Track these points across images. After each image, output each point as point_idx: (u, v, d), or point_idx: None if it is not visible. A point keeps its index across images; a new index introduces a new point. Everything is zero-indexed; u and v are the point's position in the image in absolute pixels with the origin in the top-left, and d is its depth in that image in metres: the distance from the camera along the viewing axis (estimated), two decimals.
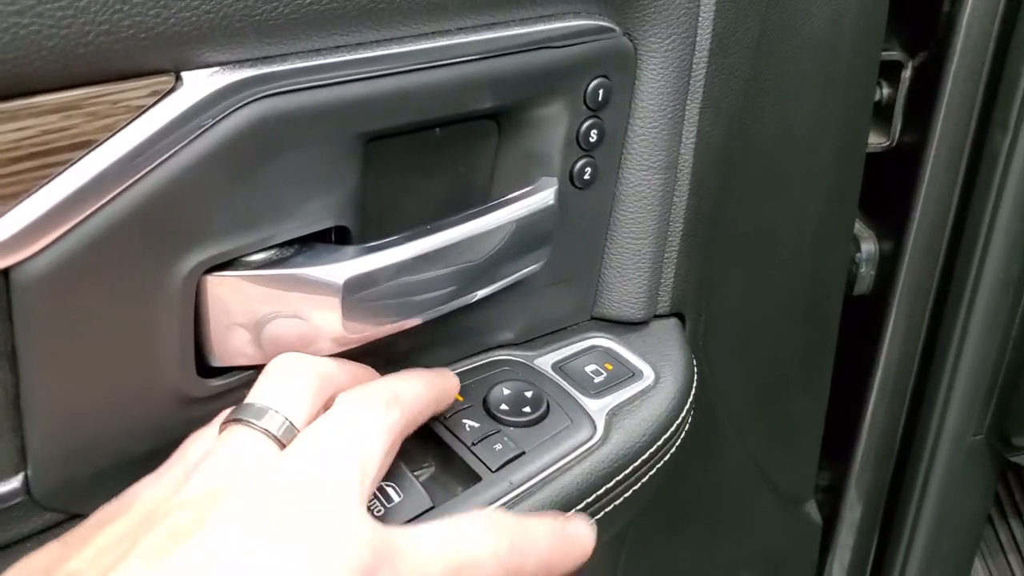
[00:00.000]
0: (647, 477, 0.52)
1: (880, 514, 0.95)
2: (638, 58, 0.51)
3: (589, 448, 0.49)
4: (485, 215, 0.45)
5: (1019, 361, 0.86)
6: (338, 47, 0.40)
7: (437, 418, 0.48)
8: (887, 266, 0.83)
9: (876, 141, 0.80)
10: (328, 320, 0.41)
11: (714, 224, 0.58)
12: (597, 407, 0.51)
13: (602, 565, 0.56)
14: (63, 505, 0.40)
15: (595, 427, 0.50)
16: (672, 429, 0.53)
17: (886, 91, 0.80)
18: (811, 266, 0.74)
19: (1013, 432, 0.89)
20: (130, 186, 0.35)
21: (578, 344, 0.56)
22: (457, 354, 0.53)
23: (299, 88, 0.39)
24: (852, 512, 0.94)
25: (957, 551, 0.99)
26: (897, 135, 0.80)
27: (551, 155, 0.50)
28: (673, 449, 0.54)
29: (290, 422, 0.38)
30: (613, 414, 0.51)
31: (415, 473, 0.45)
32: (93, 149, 0.34)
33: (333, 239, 0.44)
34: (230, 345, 0.42)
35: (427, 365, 0.48)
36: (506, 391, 0.50)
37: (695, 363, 0.57)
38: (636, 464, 0.50)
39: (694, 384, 0.56)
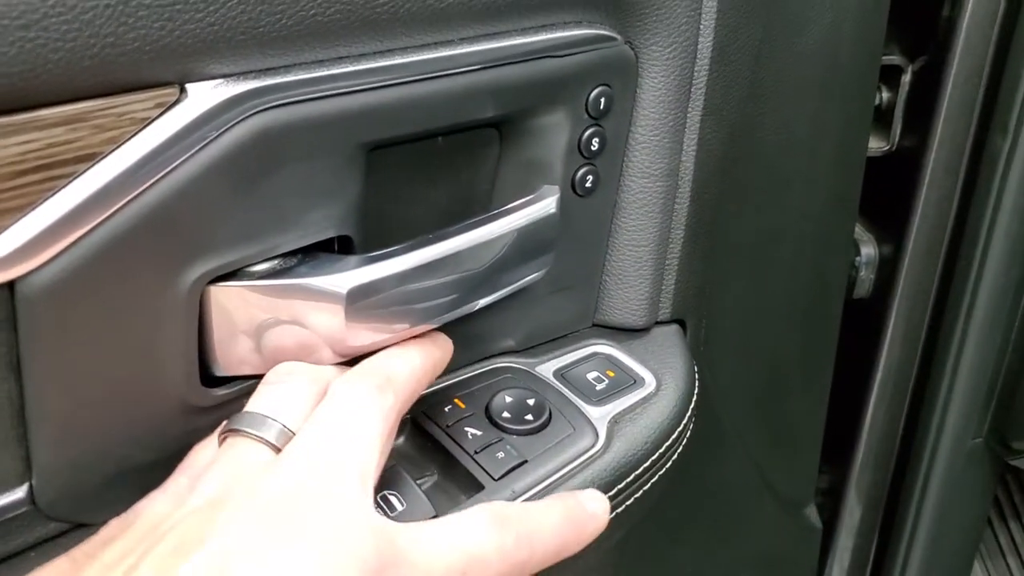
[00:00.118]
0: (649, 484, 0.52)
1: (880, 517, 0.95)
2: (639, 66, 0.51)
3: (591, 456, 0.49)
4: (487, 223, 0.45)
5: (1018, 364, 0.86)
6: (341, 58, 0.40)
7: (439, 426, 0.48)
8: (887, 270, 0.83)
9: (876, 145, 0.80)
10: (332, 329, 0.41)
11: (715, 231, 0.59)
12: (599, 414, 0.51)
13: (603, 569, 0.56)
14: (67, 515, 0.40)
15: (597, 435, 0.50)
16: (674, 436, 0.53)
17: (886, 95, 0.80)
18: (811, 270, 0.74)
19: (1013, 435, 0.89)
20: (135, 198, 0.35)
21: (580, 351, 0.56)
22: (459, 362, 0.52)
23: (302, 99, 0.39)
24: (852, 515, 0.94)
25: (957, 554, 0.99)
26: (897, 139, 0.80)
27: (553, 163, 0.50)
28: (675, 456, 0.54)
29: (288, 430, 0.38)
30: (615, 422, 0.51)
31: (418, 481, 0.45)
32: (98, 161, 0.35)
33: (336, 249, 0.44)
34: (234, 355, 0.42)
35: None
36: (508, 399, 0.50)
37: (696, 369, 0.57)
38: (638, 472, 0.50)
39: (695, 391, 0.56)
